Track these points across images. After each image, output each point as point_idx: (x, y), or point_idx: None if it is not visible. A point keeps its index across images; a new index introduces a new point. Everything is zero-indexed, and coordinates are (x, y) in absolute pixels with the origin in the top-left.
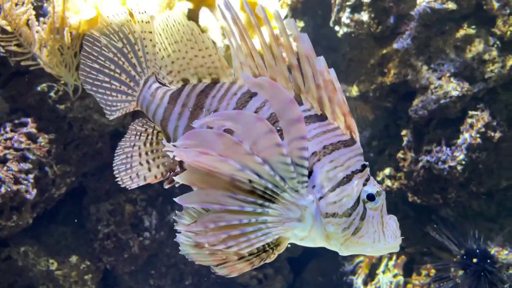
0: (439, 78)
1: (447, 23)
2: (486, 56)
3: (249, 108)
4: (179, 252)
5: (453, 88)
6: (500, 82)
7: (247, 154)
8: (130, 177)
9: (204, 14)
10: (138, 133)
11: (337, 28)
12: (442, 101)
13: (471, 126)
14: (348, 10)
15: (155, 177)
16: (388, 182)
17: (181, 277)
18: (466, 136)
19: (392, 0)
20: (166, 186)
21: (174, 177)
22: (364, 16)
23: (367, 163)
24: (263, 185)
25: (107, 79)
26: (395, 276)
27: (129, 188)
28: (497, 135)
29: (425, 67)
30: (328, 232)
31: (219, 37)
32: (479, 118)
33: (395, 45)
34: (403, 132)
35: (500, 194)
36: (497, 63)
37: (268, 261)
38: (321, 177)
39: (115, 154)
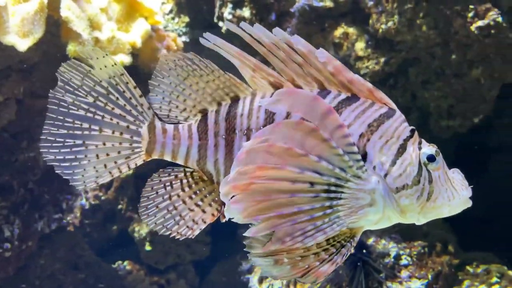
0: None
1: (326, 21)
2: (361, 53)
3: (280, 115)
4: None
5: None
6: (375, 78)
7: (301, 156)
8: (187, 226)
9: (65, 3)
10: (168, 183)
11: (220, 24)
12: None
13: None
14: (230, 5)
15: (212, 215)
16: None
17: None
18: None
19: None
20: (223, 221)
21: (231, 209)
22: (246, 12)
23: (414, 127)
24: (325, 182)
25: (82, 141)
26: None
27: (192, 237)
28: None
29: None
30: (402, 206)
31: (86, 29)
32: None
33: None
34: None
35: None
36: (371, 60)
37: (348, 254)
38: (378, 156)
39: (148, 217)
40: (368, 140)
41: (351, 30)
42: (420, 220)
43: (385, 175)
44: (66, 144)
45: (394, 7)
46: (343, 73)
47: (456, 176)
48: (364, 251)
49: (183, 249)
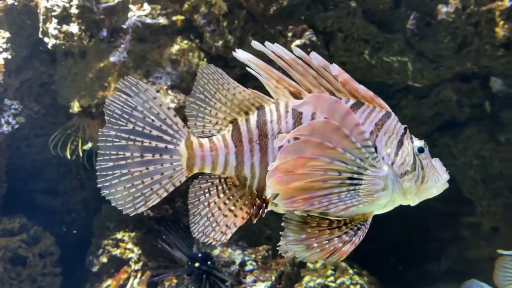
0: (158, 91)
1: (161, 37)
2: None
3: (306, 117)
4: (298, 260)
5: (171, 100)
6: None
7: (331, 149)
8: (221, 231)
9: None
10: (207, 191)
11: (46, 39)
12: None
13: None
14: (55, 20)
15: (243, 218)
16: None
17: None
18: None
19: (104, 12)
20: (255, 221)
21: (274, 186)
22: (74, 28)
23: (406, 125)
24: (350, 171)
25: (125, 170)
26: None
27: (225, 242)
28: None
29: (144, 81)
30: (405, 189)
31: None
32: None
33: (111, 59)
34: None
35: None
36: None
37: (362, 236)
38: (384, 148)
39: (194, 225)
40: (377, 136)
41: (186, 47)
42: (415, 201)
43: (392, 164)
44: (114, 176)
45: (225, 26)
46: (351, 84)
47: (437, 163)
48: (209, 262)
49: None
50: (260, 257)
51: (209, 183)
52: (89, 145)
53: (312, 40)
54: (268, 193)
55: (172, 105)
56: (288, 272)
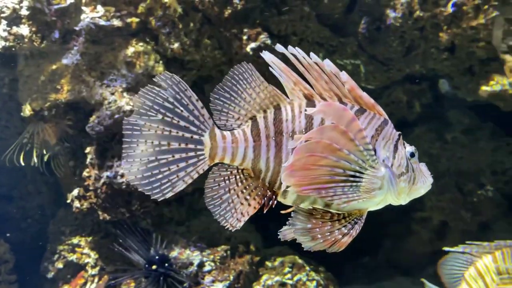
0: (113, 94)
1: (116, 40)
2: (155, 72)
3: (317, 120)
4: (304, 249)
5: (126, 102)
6: None
7: (338, 150)
8: (237, 218)
9: None
10: (227, 178)
11: None
12: (116, 116)
13: None
14: (4, 22)
15: (255, 208)
16: (77, 203)
17: None
18: None
19: (56, 14)
20: (265, 211)
21: (289, 179)
22: (24, 30)
23: (400, 132)
24: (353, 169)
25: (155, 157)
26: None
27: (239, 228)
28: None
29: (98, 83)
30: (400, 188)
31: None
32: None
33: (64, 61)
34: (87, 150)
35: (189, 198)
36: None
37: (359, 229)
38: (383, 152)
39: (214, 207)
40: (376, 140)
41: (142, 49)
42: (406, 200)
43: (391, 166)
44: (142, 163)
45: (180, 28)
46: (356, 91)
47: (424, 167)
48: (166, 264)
49: None
50: (218, 257)
51: (229, 172)
52: (47, 153)
53: (266, 43)
54: (291, 198)
55: (128, 108)
56: (246, 272)
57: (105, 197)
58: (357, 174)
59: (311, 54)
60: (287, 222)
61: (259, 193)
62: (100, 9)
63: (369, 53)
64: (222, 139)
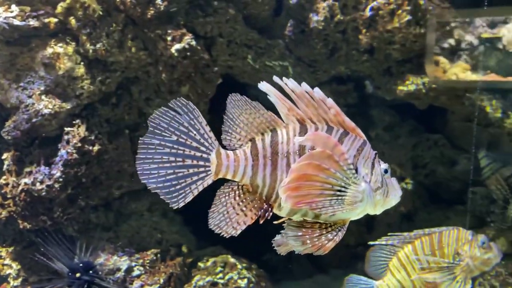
0: (30, 97)
1: (33, 40)
2: (75, 74)
3: (308, 144)
4: (296, 253)
5: (45, 105)
6: (94, 98)
7: (326, 169)
8: (233, 226)
9: None
10: (226, 194)
11: None
12: (34, 120)
13: (68, 142)
14: None
15: (251, 218)
16: None
17: None
18: (63, 153)
19: None
20: (261, 221)
21: (286, 198)
22: None
23: (376, 151)
24: (339, 185)
25: (171, 171)
26: None
27: (235, 235)
28: (96, 148)
29: (14, 86)
30: (376, 201)
31: None
32: (75, 134)
33: None
34: (4, 156)
35: (117, 203)
36: (86, 80)
37: (341, 236)
38: (363, 169)
39: (212, 219)
40: (358, 159)
41: (61, 50)
42: (379, 210)
43: (369, 182)
44: (160, 174)
45: (102, 29)
46: (340, 115)
47: (394, 181)
48: (91, 271)
49: None
50: (148, 261)
51: (230, 188)
52: None
53: (191, 45)
54: (285, 211)
55: (47, 111)
56: (177, 274)
57: (24, 205)
58: (343, 189)
59: (303, 83)
60: (281, 231)
61: (256, 205)
62: (15, 8)
63: (296, 55)
64: (226, 158)
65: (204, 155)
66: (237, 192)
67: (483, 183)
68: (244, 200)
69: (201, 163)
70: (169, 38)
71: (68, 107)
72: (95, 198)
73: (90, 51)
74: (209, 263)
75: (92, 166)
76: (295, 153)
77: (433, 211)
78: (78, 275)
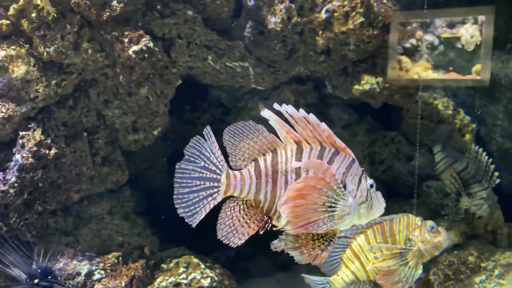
0: None
1: None
2: (29, 76)
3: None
4: (295, 261)
5: None
6: (50, 101)
7: (319, 189)
8: (238, 237)
9: None
10: (232, 208)
11: None
12: None
13: (23, 146)
14: None
15: (254, 229)
16: None
17: None
18: (18, 158)
19: None
20: (261, 232)
21: (286, 215)
22: None
23: (363, 168)
24: (330, 201)
25: (195, 194)
26: None
27: (240, 244)
28: (53, 152)
29: None
30: (361, 213)
31: None
32: (30, 138)
33: None
34: None
35: (76, 207)
36: (41, 83)
37: (333, 245)
38: (351, 185)
39: (219, 231)
40: (346, 176)
41: (15, 53)
42: (365, 221)
43: (355, 196)
44: (186, 198)
45: (56, 31)
46: (332, 137)
47: (379, 195)
48: (49, 277)
49: None
50: (109, 264)
51: (235, 203)
52: None
53: (149, 46)
54: (282, 222)
55: (0, 115)
56: (140, 276)
57: None
58: (333, 205)
59: (300, 109)
60: (279, 237)
61: (258, 218)
62: None
63: (256, 56)
64: (234, 178)
65: (217, 177)
66: (241, 207)
67: (438, 177)
68: (248, 214)
69: (215, 184)
70: (126, 40)
71: (23, 110)
72: (53, 202)
73: (45, 53)
74: (172, 264)
75: (49, 171)
76: (292, 171)
77: (390, 205)
78: (36, 281)
